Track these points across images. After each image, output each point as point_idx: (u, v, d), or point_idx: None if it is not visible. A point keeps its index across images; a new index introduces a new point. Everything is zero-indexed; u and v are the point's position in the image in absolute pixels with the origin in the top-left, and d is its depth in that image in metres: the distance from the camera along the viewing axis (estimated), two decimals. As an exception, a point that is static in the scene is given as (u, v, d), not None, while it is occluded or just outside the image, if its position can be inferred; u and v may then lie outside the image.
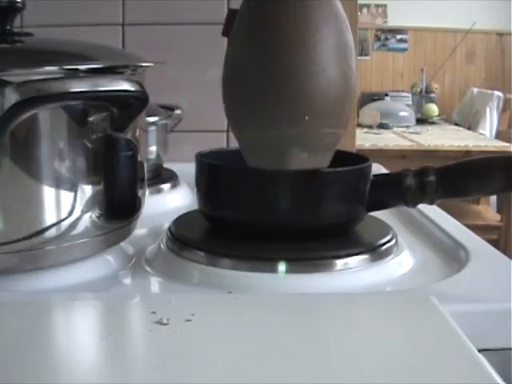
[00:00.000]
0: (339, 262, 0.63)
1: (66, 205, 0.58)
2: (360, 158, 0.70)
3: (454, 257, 0.70)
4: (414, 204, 0.68)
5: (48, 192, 0.57)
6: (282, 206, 0.66)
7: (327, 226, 0.66)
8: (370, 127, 3.35)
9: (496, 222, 2.79)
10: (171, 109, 1.05)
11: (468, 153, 2.70)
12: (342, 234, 0.67)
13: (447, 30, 4.52)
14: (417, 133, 3.23)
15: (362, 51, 4.51)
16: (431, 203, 0.68)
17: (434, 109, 3.86)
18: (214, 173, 0.69)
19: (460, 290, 0.60)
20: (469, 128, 3.70)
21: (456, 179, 0.67)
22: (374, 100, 3.83)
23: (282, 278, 0.62)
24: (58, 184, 0.58)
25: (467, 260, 0.67)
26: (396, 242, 0.69)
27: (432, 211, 0.80)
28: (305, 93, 0.64)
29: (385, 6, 4.66)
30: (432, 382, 0.41)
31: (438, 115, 3.85)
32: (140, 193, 0.67)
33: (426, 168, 0.67)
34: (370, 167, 0.69)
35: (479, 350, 0.44)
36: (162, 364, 0.42)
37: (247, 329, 0.48)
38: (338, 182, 0.66)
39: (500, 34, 4.53)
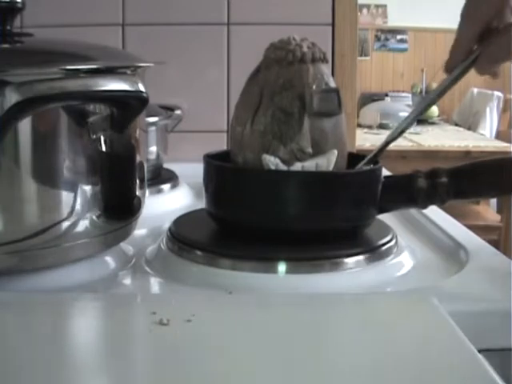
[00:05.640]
0: (339, 263, 0.63)
1: (65, 205, 0.58)
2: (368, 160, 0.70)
3: (454, 257, 0.70)
4: (425, 205, 0.69)
5: (48, 192, 0.57)
6: (295, 208, 0.65)
7: (340, 228, 0.66)
8: (370, 127, 3.35)
9: (496, 223, 2.79)
10: (171, 109, 1.05)
11: (468, 153, 2.70)
12: (353, 237, 0.67)
13: (447, 30, 4.51)
14: (417, 133, 3.23)
15: (362, 52, 4.51)
16: (442, 204, 0.68)
17: (434, 109, 3.86)
18: (223, 175, 0.69)
19: (460, 290, 0.60)
20: (469, 128, 3.70)
21: (467, 180, 0.67)
22: (374, 100, 3.83)
23: (282, 279, 0.62)
24: (58, 184, 0.58)
25: (467, 260, 0.67)
26: (396, 242, 0.69)
27: (432, 211, 0.80)
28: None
29: (385, 6, 4.65)
30: (432, 382, 0.41)
31: (438, 116, 3.85)
32: (140, 193, 0.67)
33: (437, 169, 0.67)
34: (381, 169, 0.69)
35: (479, 351, 0.44)
36: (162, 364, 0.42)
37: (247, 329, 0.48)
38: (351, 183, 0.66)
39: (500, 34, 4.52)
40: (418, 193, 0.67)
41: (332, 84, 0.67)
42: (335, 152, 0.66)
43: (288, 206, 0.65)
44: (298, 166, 0.65)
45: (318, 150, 0.66)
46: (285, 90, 0.66)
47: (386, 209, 0.69)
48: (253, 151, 0.66)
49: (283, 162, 0.65)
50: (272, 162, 0.65)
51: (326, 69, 0.68)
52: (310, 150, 0.65)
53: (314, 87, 0.65)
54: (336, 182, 0.66)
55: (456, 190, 0.67)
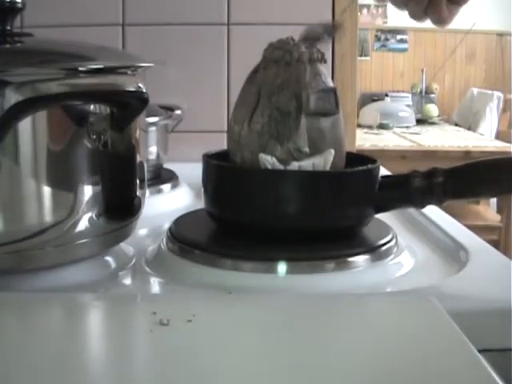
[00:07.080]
0: (339, 263, 0.63)
1: (66, 205, 0.58)
2: (366, 159, 0.70)
3: (453, 257, 0.70)
4: (422, 205, 0.69)
5: (48, 192, 0.57)
6: (291, 207, 0.66)
7: (338, 228, 0.66)
8: (370, 127, 3.35)
9: (496, 223, 2.79)
10: (171, 109, 1.05)
11: (468, 153, 2.70)
12: (350, 236, 0.67)
13: (447, 30, 4.52)
14: (417, 133, 3.24)
15: (362, 52, 4.51)
16: (440, 204, 0.68)
17: (434, 109, 3.87)
18: (222, 174, 0.69)
19: (460, 290, 0.60)
20: (469, 128, 3.71)
21: (465, 180, 0.67)
22: (374, 100, 3.83)
23: (282, 279, 0.62)
24: (58, 184, 0.58)
25: (467, 260, 0.67)
26: (396, 242, 0.69)
27: (432, 211, 0.80)
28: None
29: (385, 6, 4.65)
30: (432, 383, 0.41)
31: (438, 115, 3.85)
32: (140, 193, 0.67)
33: (434, 169, 0.67)
34: (378, 168, 0.68)
35: (479, 351, 0.44)
36: (162, 364, 0.42)
37: (247, 329, 0.48)
38: (348, 183, 0.66)
39: (500, 35, 4.53)
40: (414, 192, 0.67)
41: (330, 84, 0.67)
42: (332, 151, 0.66)
43: (285, 206, 0.65)
44: (294, 166, 0.65)
45: (315, 150, 0.66)
46: (282, 89, 0.66)
47: (384, 208, 0.69)
48: (250, 151, 0.66)
49: (280, 161, 0.65)
50: (269, 161, 0.65)
51: (323, 69, 0.68)
52: (306, 149, 0.65)
53: (311, 87, 0.65)
54: (332, 181, 0.66)
55: (454, 189, 0.67)
